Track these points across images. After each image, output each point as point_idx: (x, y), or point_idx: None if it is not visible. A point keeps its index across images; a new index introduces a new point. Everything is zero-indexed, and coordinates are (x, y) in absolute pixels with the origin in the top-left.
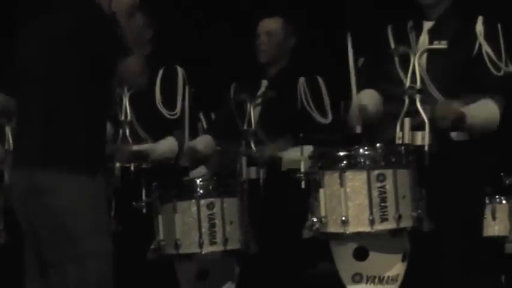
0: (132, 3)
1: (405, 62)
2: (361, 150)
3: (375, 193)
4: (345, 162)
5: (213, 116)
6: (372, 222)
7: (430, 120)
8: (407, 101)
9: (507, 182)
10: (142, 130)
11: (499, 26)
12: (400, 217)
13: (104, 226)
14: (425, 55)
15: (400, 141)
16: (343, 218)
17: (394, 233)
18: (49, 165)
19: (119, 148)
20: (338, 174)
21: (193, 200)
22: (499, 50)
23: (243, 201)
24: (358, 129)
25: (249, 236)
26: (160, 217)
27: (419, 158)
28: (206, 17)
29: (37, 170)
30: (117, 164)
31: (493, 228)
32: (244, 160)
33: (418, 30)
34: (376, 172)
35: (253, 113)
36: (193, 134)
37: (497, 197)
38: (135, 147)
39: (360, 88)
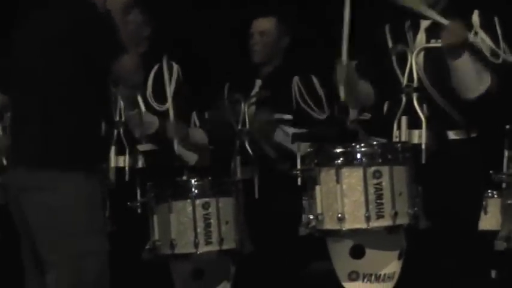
0: (127, 1)
1: (402, 60)
2: (357, 147)
3: (371, 190)
4: (341, 159)
5: (206, 115)
6: (368, 219)
7: (428, 116)
8: (404, 99)
9: (496, 179)
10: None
11: (495, 18)
12: (396, 214)
13: (100, 225)
14: (422, 54)
15: (398, 140)
16: (339, 215)
17: (390, 230)
18: (45, 164)
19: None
20: (334, 171)
21: (189, 200)
22: (497, 38)
23: (238, 201)
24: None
25: (244, 235)
26: (155, 217)
27: (416, 155)
28: (200, 15)
29: (33, 169)
30: (112, 165)
31: (485, 222)
32: (238, 160)
33: (415, 29)
34: (373, 169)
35: (247, 112)
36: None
37: (489, 191)
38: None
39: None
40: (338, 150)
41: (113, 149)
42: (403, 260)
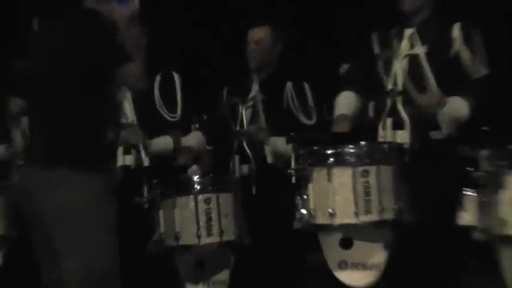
0: (132, 12)
1: (388, 66)
2: (347, 148)
3: (360, 188)
4: (332, 159)
5: (204, 117)
6: (357, 215)
7: (412, 118)
8: (389, 102)
9: (474, 176)
10: (144, 129)
11: (475, 31)
12: (382, 210)
13: (109, 220)
14: (406, 60)
15: (383, 140)
16: (331, 211)
17: (377, 224)
18: (56, 164)
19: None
20: (326, 171)
21: (192, 196)
22: (475, 54)
23: (236, 197)
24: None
25: (242, 228)
26: (161, 212)
27: (400, 155)
28: (199, 24)
29: (45, 167)
30: (119, 163)
31: (464, 218)
32: (237, 158)
33: (400, 37)
34: (361, 168)
35: (245, 114)
36: (187, 133)
37: (467, 189)
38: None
39: (340, 90)
40: (329, 152)
41: (120, 149)
42: (389, 250)
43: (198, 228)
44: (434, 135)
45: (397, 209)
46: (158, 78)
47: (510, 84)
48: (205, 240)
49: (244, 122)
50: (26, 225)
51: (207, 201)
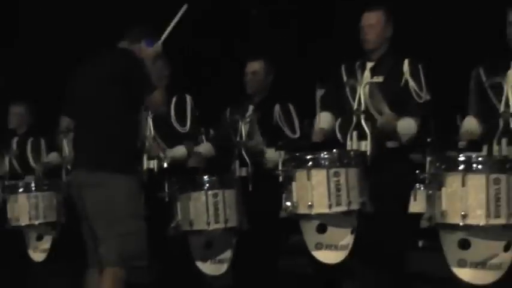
0: (157, 52)
1: (353, 91)
2: (322, 155)
3: (332, 185)
4: (310, 163)
5: (211, 131)
6: (330, 206)
7: (372, 132)
8: (355, 119)
9: (421, 176)
10: (162, 141)
11: (420, 66)
12: (350, 202)
13: (139, 211)
14: (367, 86)
15: (350, 148)
16: (310, 203)
17: (346, 213)
18: (98, 168)
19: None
20: (306, 172)
21: (203, 191)
22: (420, 84)
23: (238, 192)
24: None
25: (242, 216)
26: (178, 204)
27: (364, 160)
28: (208, 59)
29: (90, 170)
30: (144, 167)
31: (414, 207)
32: (237, 163)
33: (363, 68)
34: (333, 170)
35: (243, 129)
36: (197, 143)
37: (417, 184)
38: (159, 154)
39: (319, 111)
40: (308, 157)
41: (145, 156)
42: (355, 234)
43: (208, 217)
44: (390, 144)
45: (361, 201)
46: (174, 99)
47: (446, 105)
48: (213, 226)
49: (243, 135)
50: (74, 216)
51: (215, 195)
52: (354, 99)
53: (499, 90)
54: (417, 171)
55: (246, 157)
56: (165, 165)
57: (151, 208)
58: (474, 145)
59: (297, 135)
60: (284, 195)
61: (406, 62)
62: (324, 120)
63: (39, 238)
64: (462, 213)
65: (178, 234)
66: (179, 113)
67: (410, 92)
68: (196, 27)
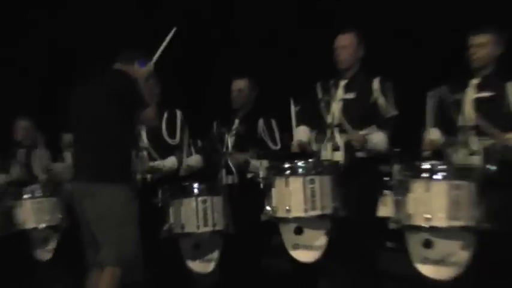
0: (149, 72)
1: (328, 106)
2: (299, 163)
3: (308, 191)
4: (288, 171)
5: (199, 142)
6: (306, 210)
7: (345, 143)
8: (329, 132)
9: (389, 183)
10: (155, 152)
11: (388, 84)
12: (324, 207)
13: (134, 216)
14: (341, 102)
15: (325, 158)
16: (287, 208)
17: (320, 217)
18: (97, 179)
19: (140, 165)
20: (284, 179)
21: (193, 198)
22: (388, 100)
23: (224, 198)
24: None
25: (229, 220)
26: (171, 209)
27: (337, 168)
28: (198, 77)
29: (89, 181)
30: (138, 176)
31: (383, 211)
32: (224, 172)
33: (336, 86)
34: (309, 178)
35: (229, 141)
36: (188, 155)
37: (385, 191)
38: (151, 164)
39: (297, 125)
40: (286, 166)
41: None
42: (329, 236)
43: (198, 221)
44: (360, 154)
45: (334, 206)
46: (166, 114)
47: (412, 120)
48: (202, 229)
49: (229, 146)
50: (75, 221)
51: (204, 201)
52: (328, 114)
53: (458, 106)
54: (385, 179)
55: (231, 166)
56: (158, 175)
57: (145, 213)
58: (437, 154)
59: (278, 146)
60: (265, 201)
61: (376, 80)
62: (301, 133)
63: (45, 240)
64: (426, 216)
65: (170, 237)
66: (170, 126)
67: (379, 107)
68: (185, 49)
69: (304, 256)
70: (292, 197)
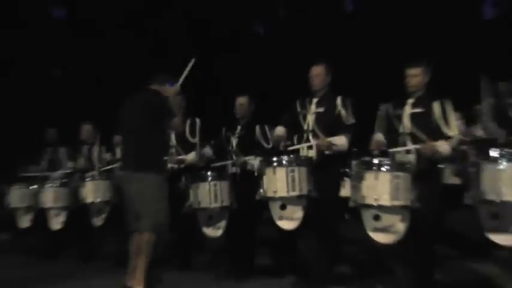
0: (176, 90)
1: (305, 117)
2: (283, 157)
3: (290, 178)
4: (276, 163)
5: (212, 141)
6: (288, 191)
7: (316, 145)
8: (305, 135)
9: (348, 173)
10: (181, 149)
11: (348, 100)
12: (301, 189)
13: (165, 196)
14: (314, 115)
15: (302, 154)
16: (274, 190)
17: (299, 197)
18: (139, 168)
19: (170, 159)
20: (272, 169)
21: (207, 182)
22: (347, 112)
23: (230, 183)
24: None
25: (233, 199)
26: (191, 190)
27: (310, 162)
28: (211, 96)
29: (134, 170)
30: (168, 166)
31: (344, 192)
32: (230, 163)
33: (310, 102)
34: (290, 168)
35: (234, 141)
36: (203, 149)
37: (346, 178)
38: (178, 157)
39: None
40: (274, 159)
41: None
42: (305, 210)
43: (210, 199)
44: (328, 152)
45: (309, 189)
46: (188, 121)
47: (366, 127)
48: (213, 204)
49: (234, 146)
50: (122, 198)
51: (215, 185)
52: (305, 123)
53: (399, 118)
54: (346, 170)
55: (235, 162)
56: (182, 165)
57: (173, 193)
58: (383, 153)
59: (270, 146)
60: (259, 185)
61: (339, 98)
62: (279, 131)
63: (99, 211)
64: (375, 197)
65: (190, 211)
66: (191, 130)
67: (342, 117)
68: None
69: (287, 225)
70: (278, 182)
